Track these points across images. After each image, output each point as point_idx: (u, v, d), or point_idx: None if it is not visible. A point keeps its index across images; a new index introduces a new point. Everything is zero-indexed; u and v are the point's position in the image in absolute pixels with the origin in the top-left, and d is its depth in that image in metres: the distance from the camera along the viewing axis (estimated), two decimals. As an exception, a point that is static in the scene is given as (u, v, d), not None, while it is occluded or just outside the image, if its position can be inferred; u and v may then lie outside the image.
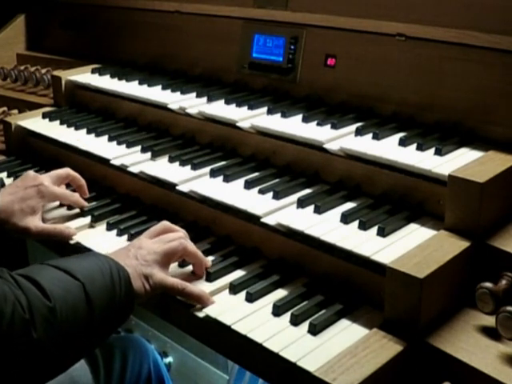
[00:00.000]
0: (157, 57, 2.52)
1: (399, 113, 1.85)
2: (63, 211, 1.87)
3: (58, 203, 1.88)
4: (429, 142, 1.65)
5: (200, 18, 2.38)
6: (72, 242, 1.73)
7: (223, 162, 1.85)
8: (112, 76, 2.41)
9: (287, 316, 1.37)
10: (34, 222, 1.71)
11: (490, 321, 1.31)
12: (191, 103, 2.07)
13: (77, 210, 1.86)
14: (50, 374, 1.22)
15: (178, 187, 1.75)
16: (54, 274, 1.24)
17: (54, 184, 1.79)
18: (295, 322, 1.36)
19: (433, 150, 1.62)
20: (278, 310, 1.39)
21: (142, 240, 1.47)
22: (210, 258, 1.58)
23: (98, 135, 2.11)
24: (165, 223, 1.54)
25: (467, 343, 1.28)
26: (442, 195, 1.48)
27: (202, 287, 1.49)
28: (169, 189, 1.80)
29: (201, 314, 1.42)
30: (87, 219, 1.82)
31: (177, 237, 1.48)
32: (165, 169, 1.85)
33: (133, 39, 2.62)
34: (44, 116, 2.32)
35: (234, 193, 1.69)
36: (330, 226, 1.50)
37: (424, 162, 1.57)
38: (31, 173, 1.80)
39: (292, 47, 2.10)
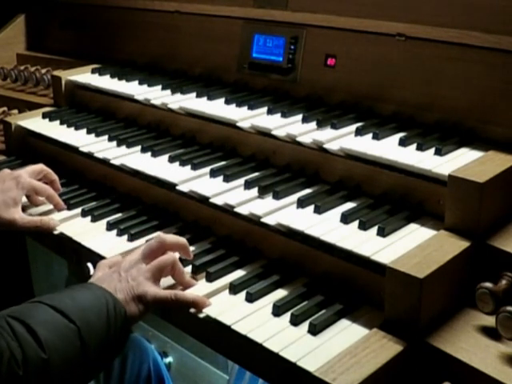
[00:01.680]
0: (157, 57, 2.52)
1: (399, 113, 1.85)
2: (65, 212, 1.87)
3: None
4: (429, 142, 1.65)
5: (200, 18, 2.38)
6: (75, 240, 1.73)
7: (223, 162, 1.85)
8: (112, 76, 2.41)
9: (287, 316, 1.37)
10: (20, 214, 1.77)
11: (489, 321, 1.31)
12: (191, 103, 2.07)
13: (77, 211, 1.86)
14: None
15: (177, 187, 1.75)
16: (50, 317, 1.23)
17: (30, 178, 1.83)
18: (295, 321, 1.36)
19: (433, 149, 1.62)
20: (278, 310, 1.39)
21: (132, 259, 1.45)
22: (210, 258, 1.58)
23: (97, 135, 2.11)
24: (161, 239, 1.49)
25: (467, 343, 1.28)
26: (442, 195, 1.48)
27: (203, 287, 1.49)
28: (169, 189, 1.80)
29: (201, 315, 1.42)
30: (87, 219, 1.83)
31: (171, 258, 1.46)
32: (165, 169, 1.85)
33: (133, 39, 2.62)
34: (44, 116, 2.32)
35: (234, 193, 1.69)
36: (330, 226, 1.50)
37: (424, 161, 1.57)
38: (6, 169, 1.86)
39: (292, 47, 2.10)
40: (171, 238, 1.49)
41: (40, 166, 1.90)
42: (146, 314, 1.40)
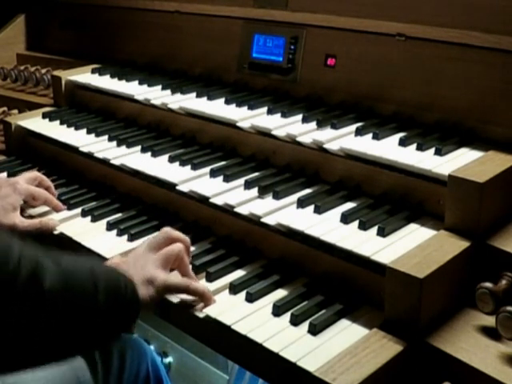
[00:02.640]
0: (157, 57, 2.52)
1: (399, 113, 1.85)
2: (65, 212, 1.87)
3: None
4: (429, 142, 1.65)
5: (200, 18, 2.38)
6: (75, 240, 1.74)
7: (223, 162, 1.85)
8: (112, 76, 2.41)
9: (287, 316, 1.37)
10: (19, 218, 1.78)
11: (489, 321, 1.31)
12: (191, 103, 2.07)
13: (77, 211, 1.86)
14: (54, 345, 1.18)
15: (177, 187, 1.75)
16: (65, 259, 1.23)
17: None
18: (295, 322, 1.36)
19: (433, 149, 1.62)
20: (278, 310, 1.39)
21: (138, 252, 1.46)
22: (210, 258, 1.58)
23: (97, 135, 2.11)
24: (166, 232, 1.50)
25: (467, 343, 1.28)
26: (442, 195, 1.48)
27: (202, 287, 1.49)
28: (169, 189, 1.80)
29: (201, 315, 1.42)
30: (87, 219, 1.83)
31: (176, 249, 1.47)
32: (165, 169, 1.85)
33: (133, 39, 2.62)
34: (44, 116, 2.32)
35: (234, 193, 1.69)
36: (330, 226, 1.50)
37: (424, 161, 1.57)
38: (2, 177, 1.91)
39: (292, 47, 2.10)
40: (177, 233, 1.50)
41: (35, 173, 1.92)
42: (157, 300, 1.40)
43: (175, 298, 1.46)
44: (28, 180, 1.87)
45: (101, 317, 1.24)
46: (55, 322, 1.14)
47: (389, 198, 1.59)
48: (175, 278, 1.44)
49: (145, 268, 1.40)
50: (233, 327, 1.35)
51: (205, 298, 1.43)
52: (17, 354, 1.13)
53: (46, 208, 1.89)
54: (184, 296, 1.45)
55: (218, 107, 2.02)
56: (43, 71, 2.74)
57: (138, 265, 1.41)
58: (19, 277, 1.08)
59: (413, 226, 1.51)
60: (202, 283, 1.49)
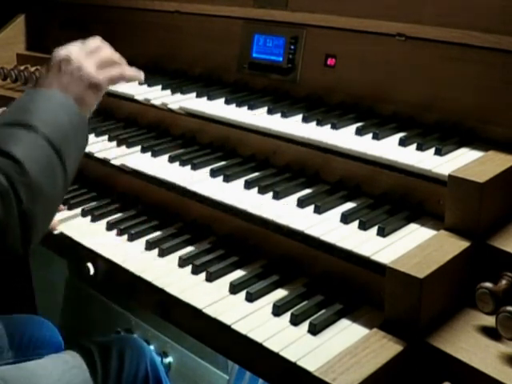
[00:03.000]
0: (156, 57, 2.52)
1: (399, 113, 1.85)
2: (65, 212, 1.87)
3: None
4: (429, 142, 1.65)
5: (200, 18, 2.38)
6: (75, 240, 1.74)
7: (223, 162, 1.85)
8: (112, 76, 2.40)
9: (287, 316, 1.37)
10: None
11: (490, 321, 1.31)
12: (191, 103, 2.07)
13: (77, 211, 1.86)
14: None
15: (177, 187, 1.75)
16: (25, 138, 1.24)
17: None
18: (295, 321, 1.36)
19: (433, 149, 1.62)
20: (278, 310, 1.39)
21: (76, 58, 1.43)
22: (210, 258, 1.58)
23: (97, 135, 2.11)
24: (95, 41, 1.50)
25: (467, 343, 1.28)
26: (442, 195, 1.48)
27: (202, 287, 1.49)
28: (169, 189, 1.80)
29: (199, 306, 1.42)
30: (87, 219, 1.83)
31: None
32: (165, 169, 1.85)
33: (133, 39, 2.61)
34: (44, 116, 2.32)
35: (234, 193, 1.69)
36: (330, 226, 1.50)
37: (424, 161, 1.57)
38: None
39: (292, 47, 2.10)
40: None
41: None
42: (100, 96, 1.45)
43: None
44: None
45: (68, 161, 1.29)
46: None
47: (389, 198, 1.59)
48: (111, 72, 1.45)
49: (85, 76, 1.39)
50: (233, 327, 1.35)
51: (136, 76, 1.51)
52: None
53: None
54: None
55: (218, 107, 2.02)
56: (43, 71, 2.74)
57: (77, 75, 1.38)
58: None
59: (413, 226, 1.51)
60: (200, 286, 1.49)
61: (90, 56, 1.44)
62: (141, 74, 1.55)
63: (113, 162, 1.94)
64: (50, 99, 1.33)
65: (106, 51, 1.48)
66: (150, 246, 1.65)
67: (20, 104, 1.33)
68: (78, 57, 1.42)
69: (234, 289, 1.47)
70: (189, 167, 1.83)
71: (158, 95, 2.17)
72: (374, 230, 1.47)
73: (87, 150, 2.00)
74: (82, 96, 1.39)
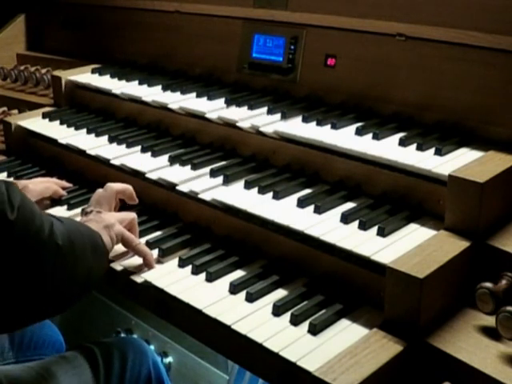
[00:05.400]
0: (157, 57, 2.52)
1: (399, 113, 1.85)
2: (65, 212, 1.87)
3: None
4: (429, 142, 1.65)
5: (200, 18, 2.38)
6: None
7: (223, 162, 1.85)
8: (112, 76, 2.41)
9: (287, 316, 1.37)
10: None
11: (490, 321, 1.31)
12: (191, 103, 2.07)
13: (77, 211, 1.86)
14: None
15: (177, 187, 1.75)
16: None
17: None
18: (295, 321, 1.36)
19: (433, 149, 1.62)
20: (278, 310, 1.39)
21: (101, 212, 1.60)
22: (210, 258, 1.58)
23: (97, 135, 2.11)
24: (108, 187, 1.68)
25: (467, 343, 1.28)
26: (442, 195, 1.48)
27: (203, 287, 1.49)
28: (169, 189, 1.80)
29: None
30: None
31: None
32: (165, 169, 1.85)
33: (133, 39, 2.62)
34: (44, 116, 2.32)
35: (234, 193, 1.69)
36: (330, 226, 1.50)
37: (424, 161, 1.57)
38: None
39: (292, 47, 2.10)
40: (118, 184, 1.70)
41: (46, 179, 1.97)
42: (114, 244, 1.54)
43: (119, 266, 1.58)
44: (39, 182, 1.91)
45: (91, 266, 1.39)
46: (63, 272, 1.29)
47: (389, 198, 1.59)
48: (129, 233, 1.59)
49: (105, 218, 1.55)
50: (233, 327, 1.35)
51: (147, 259, 1.57)
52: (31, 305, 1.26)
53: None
54: (126, 262, 1.59)
55: (218, 107, 2.02)
56: (43, 71, 2.74)
57: (100, 219, 1.55)
58: (43, 233, 1.23)
59: (413, 226, 1.51)
60: (200, 286, 1.50)
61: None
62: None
63: (113, 162, 1.94)
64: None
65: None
66: (149, 246, 1.65)
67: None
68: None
69: (234, 289, 1.47)
70: (189, 167, 1.83)
71: (158, 95, 2.17)
72: (374, 230, 1.47)
73: (87, 150, 2.02)
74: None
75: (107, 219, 1.55)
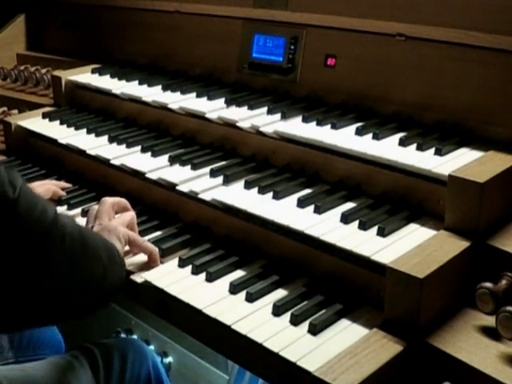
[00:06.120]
0: (157, 57, 2.52)
1: (399, 113, 1.85)
2: (65, 212, 1.87)
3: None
4: (429, 142, 1.65)
5: (200, 18, 2.38)
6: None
7: (223, 162, 1.85)
8: (112, 76, 2.41)
9: (287, 316, 1.37)
10: None
11: (490, 321, 1.31)
12: (191, 103, 2.07)
13: (77, 211, 1.86)
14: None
15: (178, 187, 1.75)
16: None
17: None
18: (295, 321, 1.36)
19: (433, 149, 1.62)
20: (278, 310, 1.39)
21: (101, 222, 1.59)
22: (210, 258, 1.58)
23: (97, 135, 2.11)
24: (104, 201, 1.65)
25: (467, 343, 1.28)
26: (442, 195, 1.48)
27: (203, 287, 1.49)
28: (169, 189, 1.80)
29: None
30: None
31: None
32: (165, 169, 1.85)
33: (133, 39, 2.62)
34: (44, 116, 2.32)
35: (234, 193, 1.69)
36: (330, 226, 1.50)
37: (424, 161, 1.57)
38: None
39: (292, 47, 2.10)
40: (112, 198, 1.68)
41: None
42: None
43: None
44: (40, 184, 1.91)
45: (105, 270, 1.34)
46: (70, 267, 1.23)
47: (389, 198, 1.59)
48: (135, 233, 1.60)
49: (107, 225, 1.55)
50: (233, 327, 1.35)
51: (153, 256, 1.57)
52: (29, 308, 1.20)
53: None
54: (126, 262, 1.53)
55: (218, 107, 2.02)
56: (43, 71, 2.74)
57: (104, 228, 1.54)
58: (47, 218, 1.16)
59: (413, 226, 1.51)
60: (200, 286, 1.50)
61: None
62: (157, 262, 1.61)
63: (113, 161, 1.94)
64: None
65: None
66: (150, 246, 1.65)
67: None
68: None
69: (234, 289, 1.47)
70: (189, 167, 1.83)
71: (158, 95, 2.17)
72: (374, 230, 1.47)
73: (87, 150, 2.02)
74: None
75: (110, 225, 1.55)
